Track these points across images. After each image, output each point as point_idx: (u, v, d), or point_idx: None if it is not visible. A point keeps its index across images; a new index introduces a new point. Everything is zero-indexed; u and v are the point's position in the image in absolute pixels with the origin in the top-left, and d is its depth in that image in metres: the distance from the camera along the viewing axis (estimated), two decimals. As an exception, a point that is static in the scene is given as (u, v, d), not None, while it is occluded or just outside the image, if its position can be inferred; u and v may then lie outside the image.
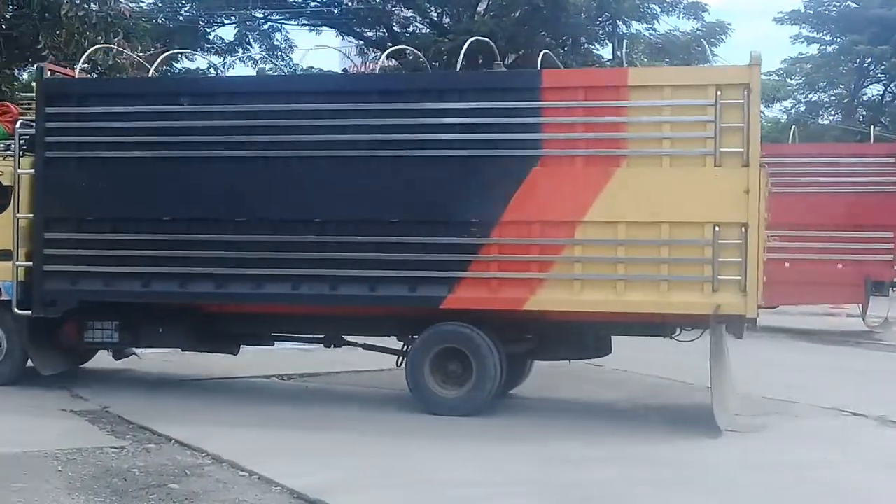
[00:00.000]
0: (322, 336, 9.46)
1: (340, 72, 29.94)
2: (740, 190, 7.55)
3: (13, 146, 9.00)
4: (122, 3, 15.39)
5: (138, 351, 10.26)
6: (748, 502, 5.86)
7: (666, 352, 9.72)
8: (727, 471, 6.45)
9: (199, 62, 27.13)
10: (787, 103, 35.16)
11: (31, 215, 8.82)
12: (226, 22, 27.36)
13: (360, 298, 8.27)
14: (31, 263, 8.77)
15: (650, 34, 26.16)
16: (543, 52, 9.39)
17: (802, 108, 34.79)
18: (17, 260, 8.88)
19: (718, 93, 7.63)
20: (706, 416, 7.59)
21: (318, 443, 7.10)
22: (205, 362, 10.72)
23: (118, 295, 8.73)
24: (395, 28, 28.31)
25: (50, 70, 9.47)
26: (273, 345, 9.87)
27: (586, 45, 25.83)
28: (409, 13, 27.88)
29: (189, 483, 5.85)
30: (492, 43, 9.69)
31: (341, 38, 32.17)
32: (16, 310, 8.82)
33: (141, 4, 19.49)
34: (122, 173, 8.71)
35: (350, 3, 27.52)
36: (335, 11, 27.43)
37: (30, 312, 8.80)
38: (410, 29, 28.60)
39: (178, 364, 10.81)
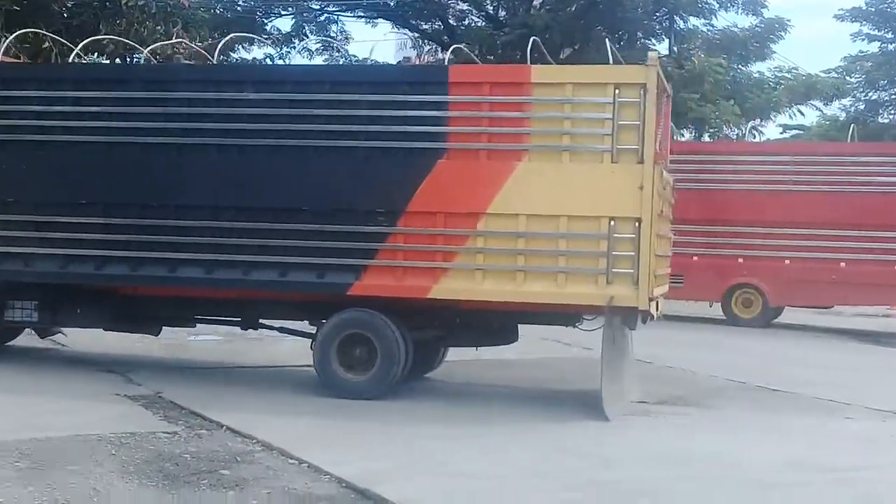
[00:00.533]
0: (239, 319, 9.68)
1: (398, 62, 31.24)
2: (635, 186, 7.84)
3: None
4: None
5: (65, 330, 10.44)
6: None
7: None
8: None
9: (256, 52, 28.06)
10: (847, 101, 34.40)
11: None
12: (283, 13, 28.57)
13: (270, 284, 8.53)
14: None
15: (707, 30, 26.48)
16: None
17: (862, 107, 34.11)
18: None
19: (616, 91, 7.89)
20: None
21: (365, 432, 7.29)
22: (255, 350, 11.24)
23: (37, 276, 9.03)
24: (450, 21, 28.93)
25: None
26: (195, 326, 10.17)
27: (643, 40, 25.76)
28: (464, 6, 28.39)
29: (239, 469, 6.02)
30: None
31: (397, 30, 33.18)
32: None
33: None
34: (39, 157, 8.93)
35: None
36: (391, 3, 27.98)
37: None
38: (466, 22, 29.16)
39: (230, 352, 11.24)
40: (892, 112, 35.45)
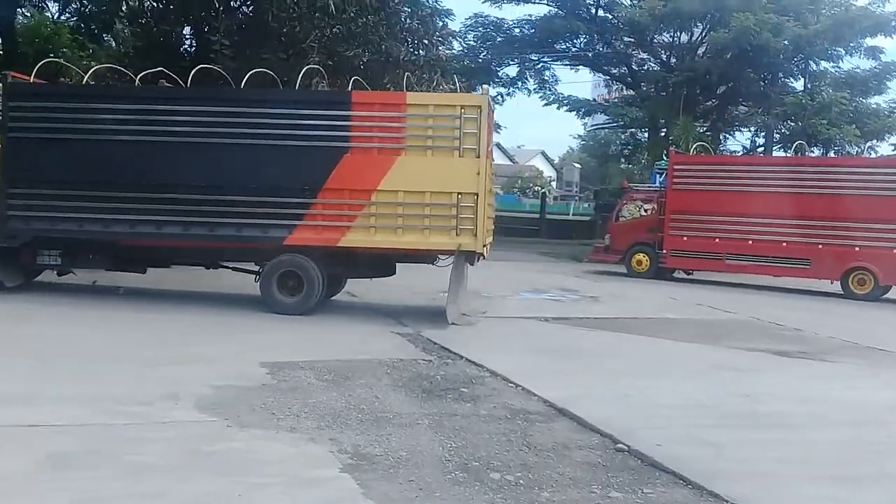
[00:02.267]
0: (204, 262, 13.07)
1: (591, 99, 37.86)
2: (474, 172, 11.34)
3: None
4: (440, 49, 18.41)
5: (356, 288, 13.70)
6: None
7: None
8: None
9: (492, 91, 34.55)
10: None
11: None
12: (510, 62, 36.33)
13: (230, 237, 11.72)
14: None
15: (835, 70, 32.14)
16: (354, 78, 12.92)
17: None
18: None
19: (462, 111, 11.40)
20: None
21: (566, 368, 9.11)
22: (491, 305, 13.68)
23: (60, 232, 11.89)
24: (633, 66, 36.04)
25: (12, 76, 12.67)
26: (170, 266, 13.29)
27: (782, 79, 32.38)
28: (644, 55, 35.70)
29: (474, 388, 7.76)
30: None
31: (593, 73, 43.15)
32: None
33: (453, 50, 23.60)
34: (61, 149, 11.76)
35: (600, 48, 35.58)
36: (589, 55, 36.20)
37: None
38: (645, 67, 35.91)
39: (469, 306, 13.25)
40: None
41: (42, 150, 11.88)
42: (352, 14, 17.10)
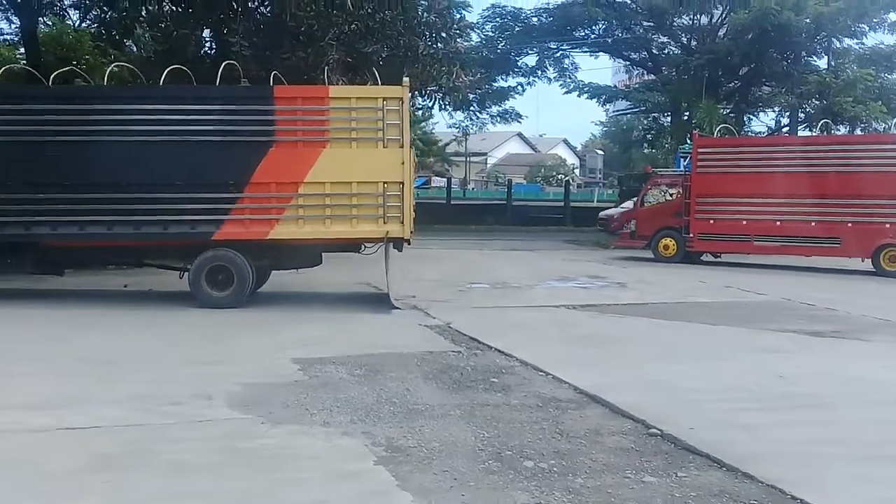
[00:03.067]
0: (129, 261, 13.39)
1: (612, 85, 37.63)
2: (398, 162, 11.63)
3: None
4: (459, 42, 18.40)
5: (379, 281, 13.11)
6: None
7: None
8: None
9: (510, 81, 36.31)
10: None
11: None
12: (529, 52, 36.02)
13: (157, 235, 11.71)
14: None
15: (859, 47, 31.19)
16: (274, 73, 12.91)
17: None
18: None
19: (384, 102, 11.63)
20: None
21: (594, 356, 9.09)
22: (515, 295, 13.74)
23: None
24: (653, 51, 35.66)
25: None
26: (92, 268, 13.74)
27: (805, 58, 31.44)
28: (664, 39, 35.24)
29: (504, 378, 7.80)
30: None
31: (613, 59, 42.54)
32: None
33: (471, 42, 23.63)
34: None
35: (620, 34, 35.02)
36: (609, 41, 35.64)
37: None
38: (666, 51, 35.55)
39: (498, 296, 13.64)
40: None
41: None
42: (369, 10, 17.11)
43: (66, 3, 23.42)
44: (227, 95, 12.39)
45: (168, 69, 12.75)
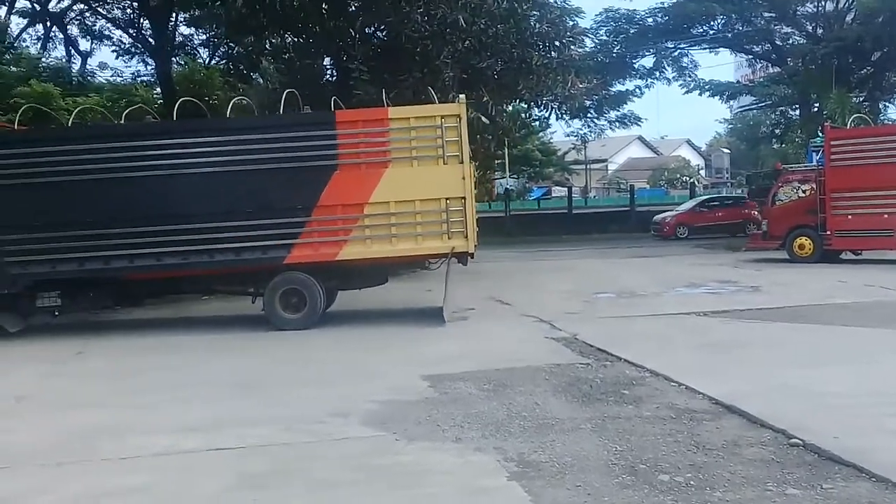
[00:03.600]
0: (202, 289, 13.71)
1: (735, 81, 36.35)
2: (459, 178, 12.01)
3: None
4: (573, 49, 18.34)
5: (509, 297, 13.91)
6: None
7: None
8: None
9: (628, 85, 36.02)
10: None
11: None
12: (646, 53, 35.89)
13: (230, 262, 12.09)
14: None
15: None
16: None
17: None
18: None
19: (442, 120, 11.96)
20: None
21: (727, 364, 8.80)
22: (644, 303, 13.66)
23: (61, 273, 12.04)
24: (777, 42, 34.60)
25: None
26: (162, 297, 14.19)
27: None
28: (787, 29, 34.30)
29: (635, 390, 7.67)
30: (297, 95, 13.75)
31: (734, 55, 41.61)
32: None
33: (585, 48, 23.10)
34: (52, 191, 11.86)
35: (740, 28, 34.27)
36: (728, 35, 34.92)
37: None
38: (790, 41, 34.46)
39: (625, 305, 13.61)
40: None
41: (33, 195, 11.96)
42: (482, 26, 17.33)
43: (195, 42, 24.83)
44: (292, 123, 12.81)
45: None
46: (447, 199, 12.04)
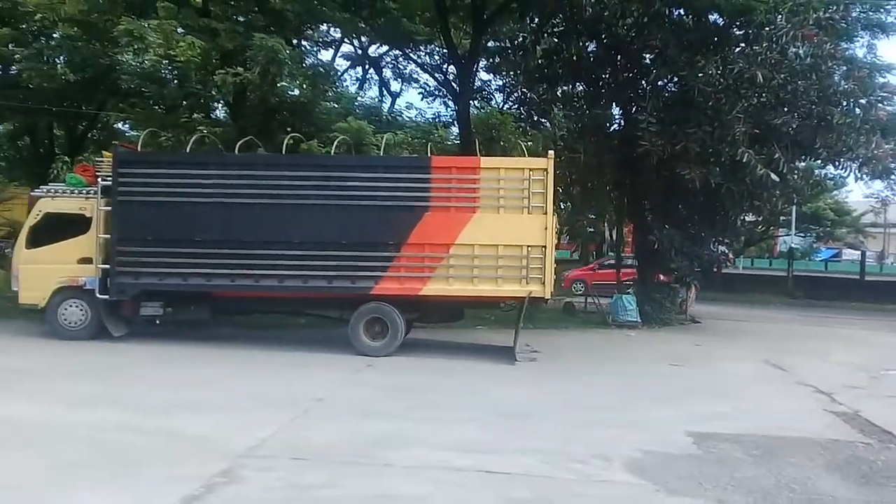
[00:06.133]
0: (292, 311, 14.66)
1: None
2: (542, 227, 12.86)
3: (94, 192, 13.47)
4: (881, 108, 17.28)
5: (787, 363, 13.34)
6: None
7: None
8: None
9: None
10: None
11: (108, 236, 13.25)
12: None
13: (322, 288, 13.00)
14: (108, 266, 13.23)
15: None
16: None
17: None
18: (98, 264, 13.29)
19: (529, 173, 12.92)
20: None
21: None
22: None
23: (167, 286, 13.10)
24: None
25: (122, 146, 13.86)
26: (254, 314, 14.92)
27: None
28: None
29: None
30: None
31: None
32: (98, 295, 13.28)
33: (895, 107, 21.21)
34: (166, 211, 12.97)
35: None
36: None
37: (107, 297, 13.27)
38: None
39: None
40: None
41: (148, 212, 13.11)
42: (780, 81, 16.82)
43: (492, 87, 26.29)
44: (390, 165, 13.90)
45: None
46: (528, 246, 12.83)
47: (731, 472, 7.06)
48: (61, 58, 20.24)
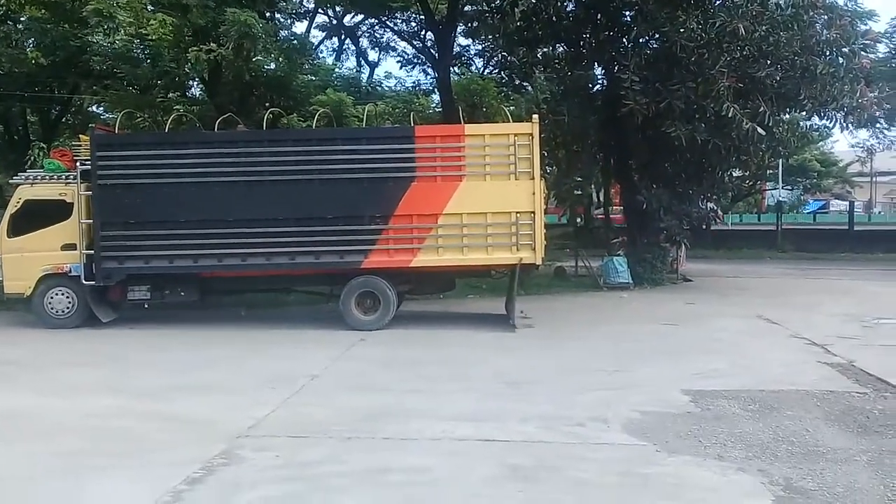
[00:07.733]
0: (281, 289, 14.48)
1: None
2: (529, 193, 12.77)
3: (74, 177, 13.32)
4: (864, 56, 17.16)
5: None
6: None
7: None
8: None
9: None
10: None
11: (90, 221, 13.10)
12: None
13: (310, 264, 12.93)
14: (92, 252, 13.08)
15: None
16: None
17: None
18: (82, 250, 13.16)
19: (515, 138, 12.81)
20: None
21: None
22: None
23: (153, 269, 12.99)
24: None
25: (98, 129, 13.91)
26: (244, 294, 14.70)
27: None
28: None
29: None
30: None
31: None
32: (84, 281, 13.18)
33: (878, 55, 20.97)
34: (148, 193, 12.80)
35: None
36: None
37: (93, 283, 13.15)
38: None
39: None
40: None
41: (130, 195, 12.93)
42: (762, 33, 16.67)
43: (471, 53, 26.08)
44: (373, 136, 13.79)
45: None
46: (517, 212, 12.75)
47: (730, 429, 7.07)
48: (31, 41, 19.89)
